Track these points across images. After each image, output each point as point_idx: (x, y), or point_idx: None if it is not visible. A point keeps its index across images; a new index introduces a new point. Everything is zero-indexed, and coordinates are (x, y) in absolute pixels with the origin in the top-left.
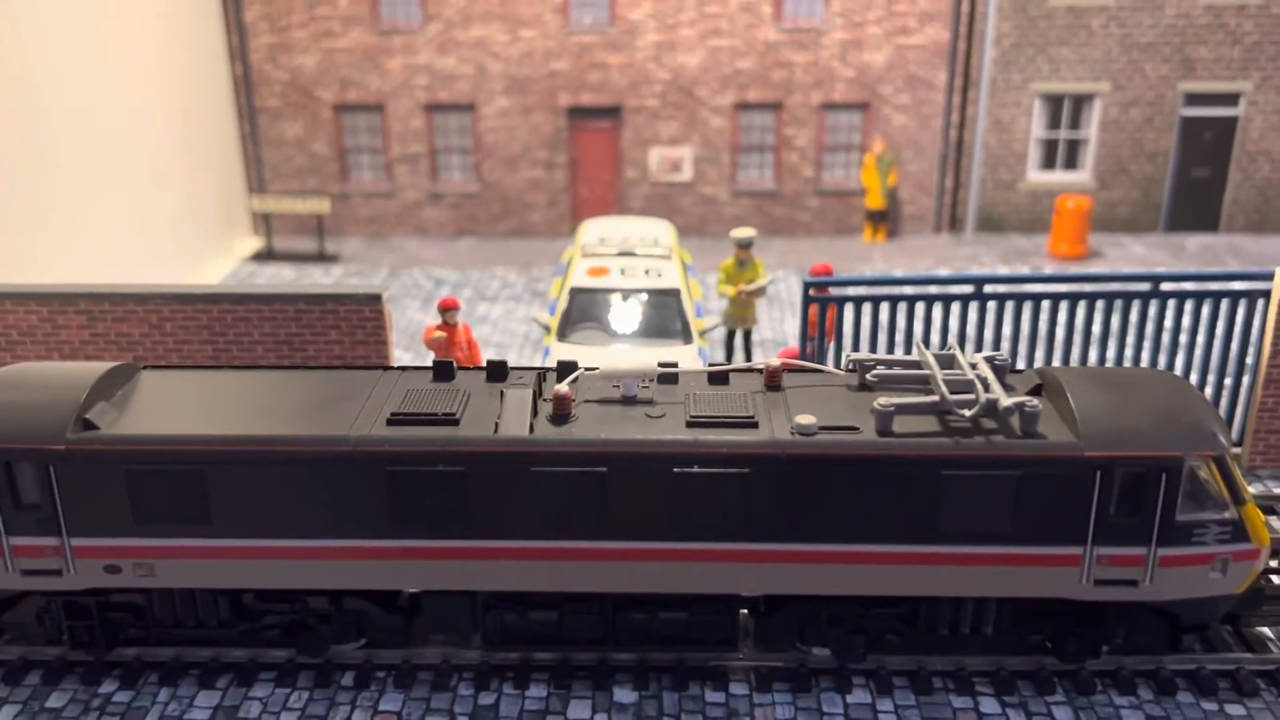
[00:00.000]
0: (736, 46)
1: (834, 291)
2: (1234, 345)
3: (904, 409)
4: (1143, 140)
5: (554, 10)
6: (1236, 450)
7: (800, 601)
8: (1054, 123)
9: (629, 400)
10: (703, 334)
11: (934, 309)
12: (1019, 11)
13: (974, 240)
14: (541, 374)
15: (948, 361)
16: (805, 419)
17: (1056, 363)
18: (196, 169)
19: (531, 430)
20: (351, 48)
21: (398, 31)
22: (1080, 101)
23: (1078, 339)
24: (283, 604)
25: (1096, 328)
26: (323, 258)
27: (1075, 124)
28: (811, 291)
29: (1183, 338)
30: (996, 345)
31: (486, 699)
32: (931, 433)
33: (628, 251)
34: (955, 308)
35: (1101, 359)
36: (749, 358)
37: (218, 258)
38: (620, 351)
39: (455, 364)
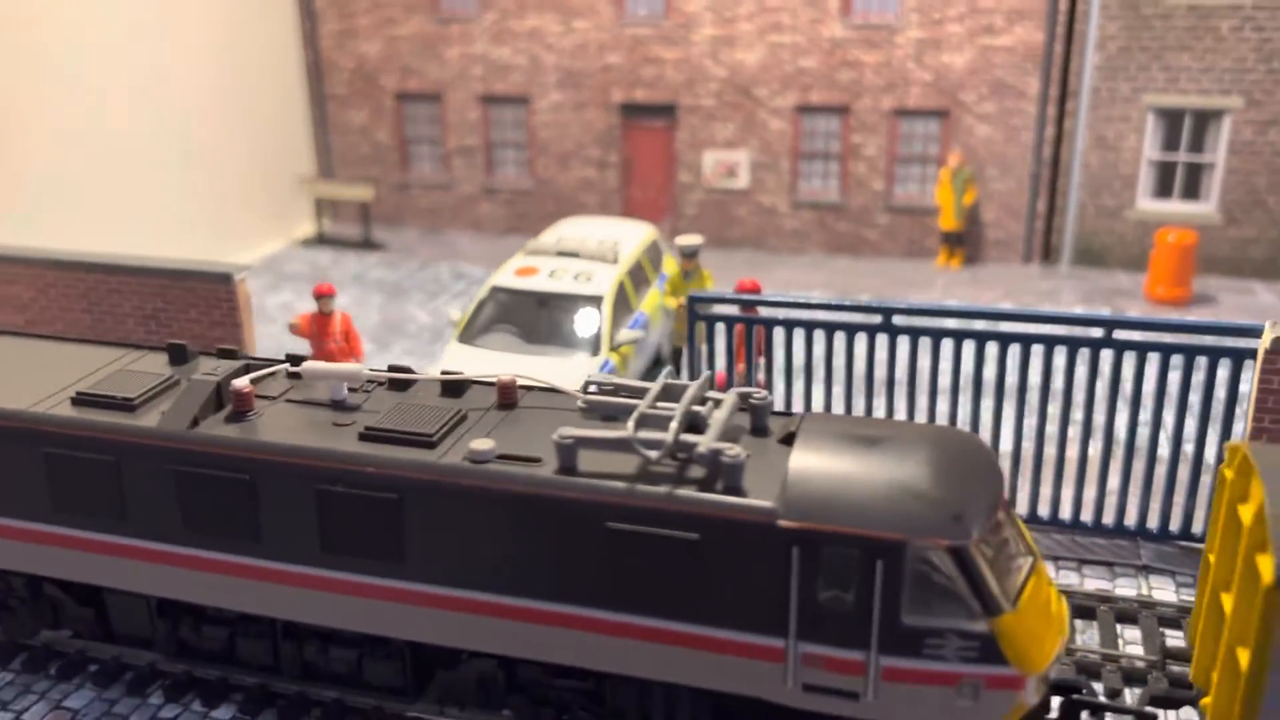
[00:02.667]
0: (799, 43)
1: (717, 310)
2: (1201, 409)
3: (586, 443)
4: None
5: (607, 0)
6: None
7: (479, 657)
8: (1171, 143)
9: (335, 405)
10: (616, 347)
11: (835, 338)
12: (1129, 10)
13: (1067, 274)
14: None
15: (675, 393)
16: (482, 444)
17: (984, 418)
18: (259, 151)
19: (195, 424)
20: (412, 36)
21: (456, 20)
22: (1204, 119)
23: (1011, 388)
24: None
25: (1035, 375)
26: (367, 245)
27: (1198, 145)
28: (696, 309)
29: (1149, 397)
30: (911, 386)
31: (170, 711)
32: (615, 475)
33: (569, 253)
34: (861, 339)
35: (1042, 413)
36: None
37: (271, 239)
38: (511, 359)
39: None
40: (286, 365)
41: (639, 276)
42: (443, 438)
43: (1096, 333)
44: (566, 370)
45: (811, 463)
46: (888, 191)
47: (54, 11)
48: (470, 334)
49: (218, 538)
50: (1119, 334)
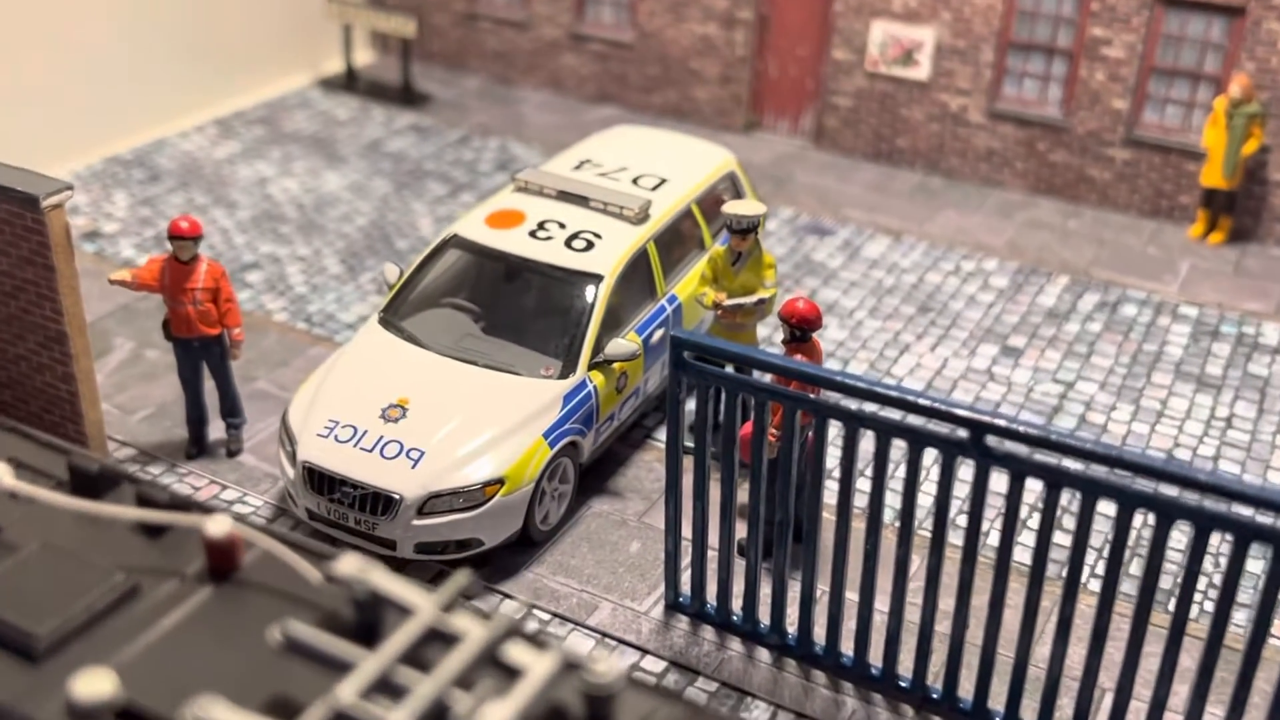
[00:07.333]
0: None
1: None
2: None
3: None
4: None
5: None
6: None
7: None
8: None
9: None
10: (599, 365)
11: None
12: None
13: None
14: None
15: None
16: (93, 686)
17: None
18: None
19: None
20: None
21: None
22: None
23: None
24: None
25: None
26: (406, 98)
27: None
28: (686, 356)
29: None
30: (1003, 551)
31: None
32: None
33: (578, 195)
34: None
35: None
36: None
37: (290, 74)
38: (443, 367)
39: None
40: None
41: (684, 239)
42: (60, 645)
43: None
44: (517, 402)
45: None
46: (1133, 115)
47: None
48: (400, 309)
49: None
50: None
